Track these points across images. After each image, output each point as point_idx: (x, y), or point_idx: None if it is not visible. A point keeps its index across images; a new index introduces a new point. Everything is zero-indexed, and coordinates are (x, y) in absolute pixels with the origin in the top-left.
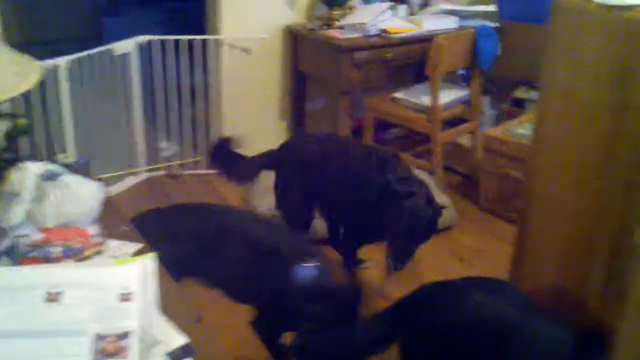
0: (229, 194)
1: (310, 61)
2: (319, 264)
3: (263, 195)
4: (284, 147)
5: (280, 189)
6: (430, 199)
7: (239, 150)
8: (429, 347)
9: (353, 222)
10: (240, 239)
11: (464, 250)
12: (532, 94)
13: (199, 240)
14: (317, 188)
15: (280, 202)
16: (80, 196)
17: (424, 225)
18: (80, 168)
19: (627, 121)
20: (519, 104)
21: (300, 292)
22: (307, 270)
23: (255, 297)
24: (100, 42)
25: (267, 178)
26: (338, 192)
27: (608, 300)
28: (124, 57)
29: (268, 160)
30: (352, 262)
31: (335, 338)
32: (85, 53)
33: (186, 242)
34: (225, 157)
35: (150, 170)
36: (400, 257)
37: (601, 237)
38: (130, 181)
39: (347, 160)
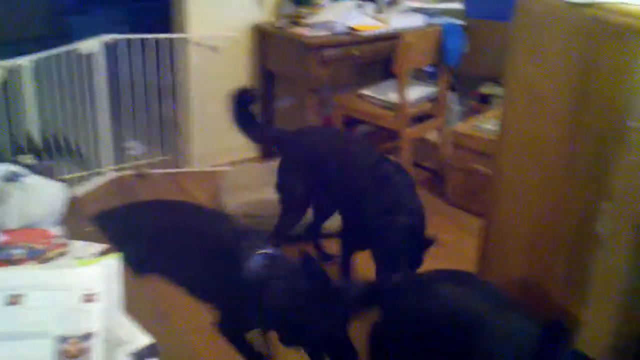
0: (197, 192)
1: (278, 59)
2: (271, 250)
3: (232, 193)
4: (298, 130)
5: (285, 169)
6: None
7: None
8: (398, 337)
9: (347, 226)
10: (192, 235)
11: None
12: (498, 90)
13: (156, 237)
14: (319, 179)
15: (282, 183)
16: (43, 197)
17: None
18: (44, 169)
19: (588, 116)
20: (485, 100)
21: (257, 280)
22: (260, 257)
23: (214, 294)
24: (65, 41)
25: (237, 176)
26: (337, 189)
27: (572, 290)
28: (90, 56)
29: (282, 135)
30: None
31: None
32: (49, 52)
33: (145, 240)
34: (244, 116)
35: (117, 170)
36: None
37: (564, 228)
38: (97, 181)
39: (350, 162)
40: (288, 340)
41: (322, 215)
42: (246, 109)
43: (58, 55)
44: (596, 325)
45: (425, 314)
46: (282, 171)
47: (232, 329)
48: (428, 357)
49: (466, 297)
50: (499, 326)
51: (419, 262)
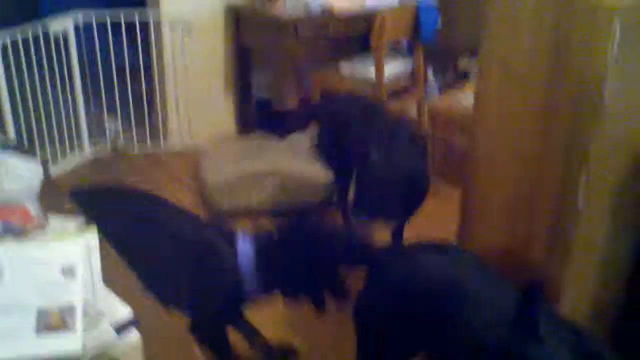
0: (177, 169)
1: (253, 38)
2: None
3: (213, 169)
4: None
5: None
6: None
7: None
8: (381, 306)
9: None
10: (169, 237)
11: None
12: (475, 65)
13: (130, 230)
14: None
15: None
16: (19, 174)
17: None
18: (18, 146)
19: (562, 90)
20: (463, 74)
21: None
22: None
23: (189, 299)
24: (36, 19)
25: (217, 152)
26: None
27: (553, 258)
28: (62, 35)
29: (314, 110)
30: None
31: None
32: (19, 30)
33: (119, 227)
34: (270, 118)
35: (95, 149)
36: (363, 205)
37: (543, 199)
38: (74, 160)
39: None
40: (292, 291)
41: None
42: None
43: (28, 34)
44: (576, 292)
45: (409, 283)
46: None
47: (211, 327)
48: (411, 326)
49: (449, 266)
50: (484, 295)
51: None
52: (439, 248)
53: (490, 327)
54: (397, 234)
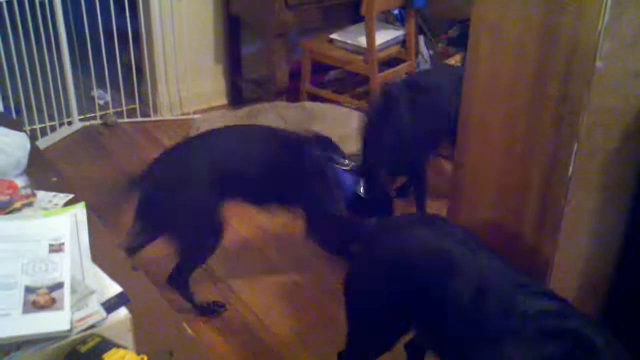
0: (168, 141)
1: (243, 4)
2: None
3: None
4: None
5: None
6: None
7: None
8: (369, 282)
9: None
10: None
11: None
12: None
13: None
14: None
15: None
16: (5, 148)
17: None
18: (5, 119)
19: (553, 58)
20: (455, 43)
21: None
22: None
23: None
24: None
25: (208, 124)
26: None
27: (543, 231)
28: (47, 1)
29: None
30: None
31: None
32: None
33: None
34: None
35: (84, 119)
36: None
37: (534, 169)
38: (63, 132)
39: None
40: None
41: None
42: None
43: (12, 1)
44: (565, 266)
45: (395, 257)
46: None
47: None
48: (399, 301)
49: (435, 238)
50: (475, 268)
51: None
52: (426, 220)
53: (478, 300)
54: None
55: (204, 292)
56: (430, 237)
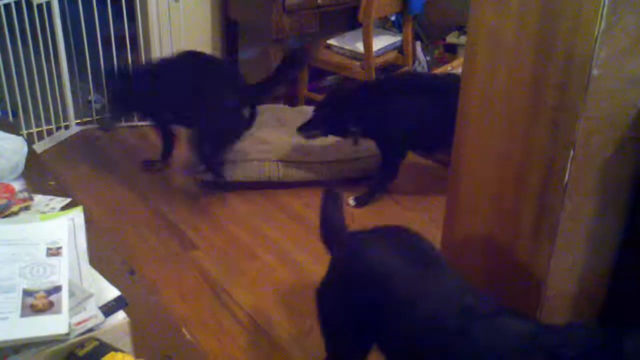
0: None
1: (241, 8)
2: None
3: None
4: None
5: None
6: None
7: None
8: (332, 293)
9: None
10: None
11: (399, 195)
12: (464, 39)
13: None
14: None
15: None
16: (2, 151)
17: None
18: (2, 122)
19: (550, 65)
20: (451, 49)
21: None
22: None
23: None
24: None
25: None
26: None
27: (539, 238)
28: (45, 6)
29: None
30: None
31: None
32: (1, 2)
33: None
34: None
35: (81, 123)
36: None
37: (530, 176)
38: (60, 135)
39: None
40: None
41: None
42: None
43: (10, 6)
44: (562, 272)
45: (356, 271)
46: None
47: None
48: (359, 315)
49: (392, 258)
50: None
51: None
52: (394, 236)
53: (432, 317)
54: None
55: (201, 297)
56: (387, 254)
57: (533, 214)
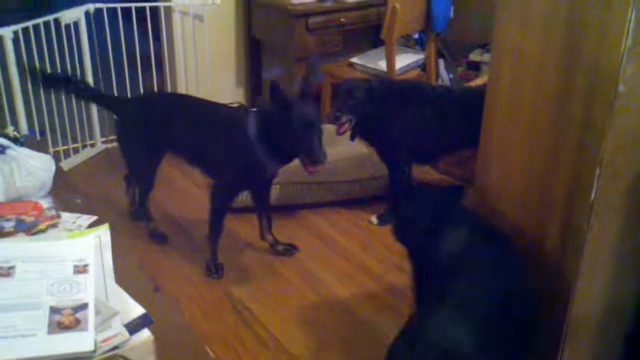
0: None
1: (264, 27)
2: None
3: None
4: None
5: None
6: None
7: None
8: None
9: None
10: None
11: None
12: (487, 57)
13: None
14: None
15: None
16: (31, 169)
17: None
18: (30, 141)
19: (575, 81)
20: (474, 66)
21: None
22: None
23: None
24: (48, 10)
25: None
26: None
27: (566, 254)
28: (73, 26)
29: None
30: None
31: None
32: (31, 22)
33: None
34: None
35: (106, 141)
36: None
37: (556, 193)
38: (87, 153)
39: None
40: None
41: None
42: None
43: (40, 26)
44: (588, 290)
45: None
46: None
47: None
48: None
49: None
50: None
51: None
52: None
53: None
54: None
55: (222, 312)
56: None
57: (558, 233)
